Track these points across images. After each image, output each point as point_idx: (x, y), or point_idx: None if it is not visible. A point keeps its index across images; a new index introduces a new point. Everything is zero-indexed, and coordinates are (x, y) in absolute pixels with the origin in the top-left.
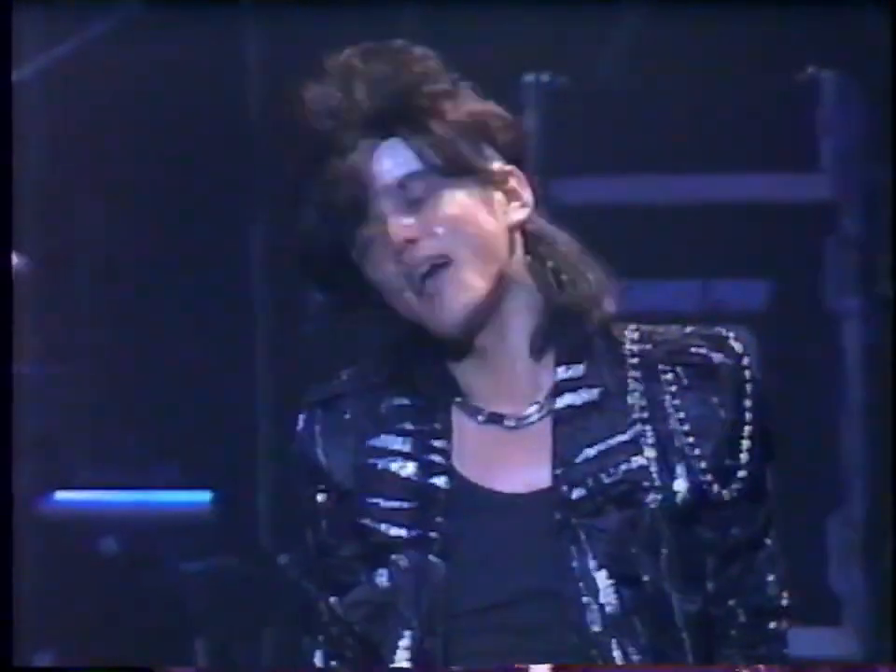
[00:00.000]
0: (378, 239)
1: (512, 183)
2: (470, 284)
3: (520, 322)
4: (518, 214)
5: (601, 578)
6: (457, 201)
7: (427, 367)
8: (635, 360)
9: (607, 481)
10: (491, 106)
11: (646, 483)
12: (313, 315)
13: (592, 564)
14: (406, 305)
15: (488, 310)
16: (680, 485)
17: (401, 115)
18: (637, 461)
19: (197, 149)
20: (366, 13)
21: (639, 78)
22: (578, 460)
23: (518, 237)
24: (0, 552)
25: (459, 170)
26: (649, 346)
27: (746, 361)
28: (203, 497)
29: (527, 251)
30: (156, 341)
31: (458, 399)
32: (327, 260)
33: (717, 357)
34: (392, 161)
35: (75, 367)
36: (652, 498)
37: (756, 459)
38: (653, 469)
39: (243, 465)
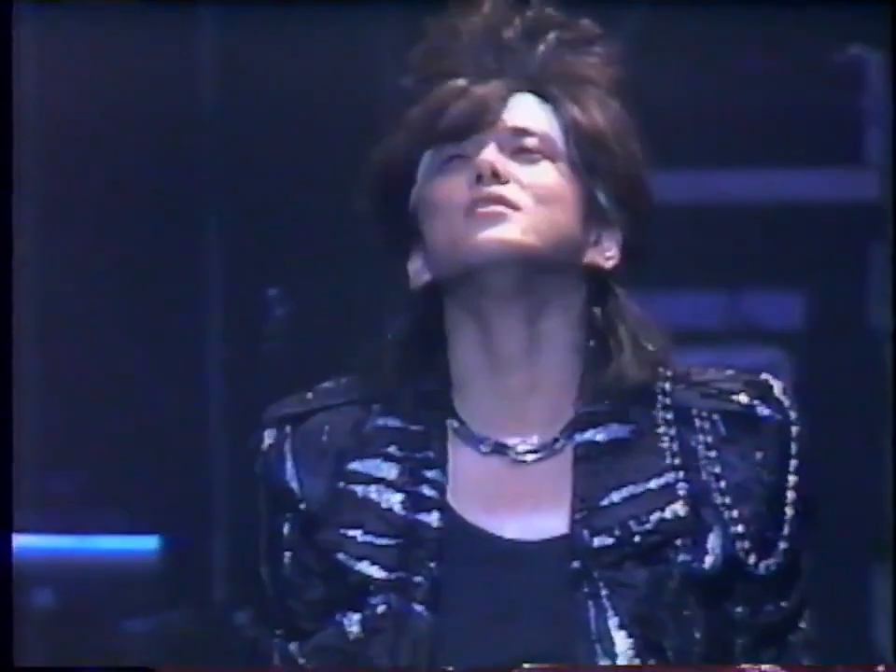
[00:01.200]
0: (461, 162)
1: (609, 236)
2: (530, 236)
3: (551, 349)
4: (598, 256)
5: (620, 639)
6: (561, 186)
7: (422, 379)
8: (667, 400)
9: (636, 529)
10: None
11: (679, 539)
12: (272, 333)
13: (612, 622)
14: (448, 227)
15: (525, 288)
16: (714, 549)
17: (559, 80)
18: (672, 511)
19: (148, 165)
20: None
21: (659, 65)
22: (603, 503)
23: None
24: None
25: (587, 170)
26: (682, 386)
27: (793, 416)
28: (150, 543)
29: (592, 296)
30: (97, 371)
31: (457, 424)
32: (394, 181)
33: (761, 408)
34: (523, 110)
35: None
36: (683, 558)
37: (798, 531)
38: (686, 524)
39: (194, 508)
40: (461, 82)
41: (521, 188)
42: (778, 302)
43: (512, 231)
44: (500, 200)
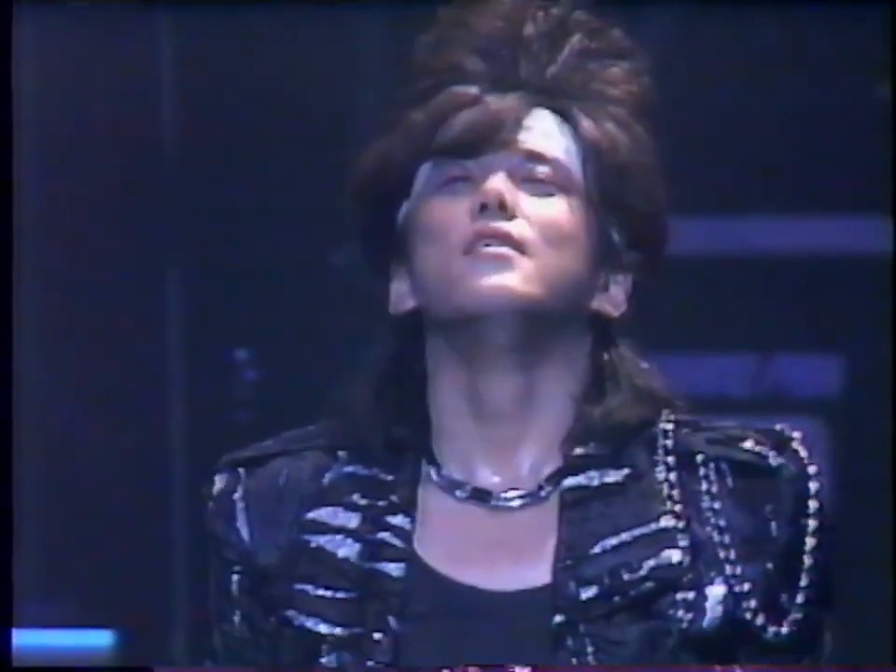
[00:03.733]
0: (464, 186)
1: (619, 281)
2: (535, 286)
3: (546, 401)
4: (606, 304)
5: None
6: (573, 224)
7: (397, 424)
8: (668, 443)
9: (628, 577)
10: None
11: (676, 590)
12: (242, 400)
13: None
14: (443, 260)
15: (524, 339)
16: (715, 606)
17: (581, 96)
18: (668, 557)
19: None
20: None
21: (669, 94)
22: (593, 551)
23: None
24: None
25: (604, 204)
26: (687, 430)
27: (812, 470)
28: (103, 638)
29: (595, 346)
30: (48, 433)
31: (431, 469)
32: (385, 190)
33: (775, 458)
34: (539, 132)
35: None
36: (680, 614)
37: (815, 601)
38: (684, 573)
39: (152, 599)
40: (473, 89)
41: (529, 224)
42: (811, 366)
43: (516, 278)
44: (506, 239)
